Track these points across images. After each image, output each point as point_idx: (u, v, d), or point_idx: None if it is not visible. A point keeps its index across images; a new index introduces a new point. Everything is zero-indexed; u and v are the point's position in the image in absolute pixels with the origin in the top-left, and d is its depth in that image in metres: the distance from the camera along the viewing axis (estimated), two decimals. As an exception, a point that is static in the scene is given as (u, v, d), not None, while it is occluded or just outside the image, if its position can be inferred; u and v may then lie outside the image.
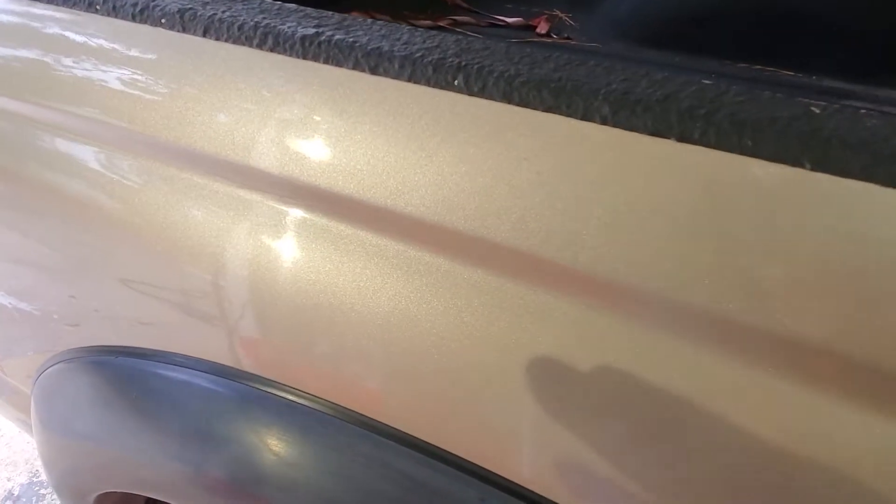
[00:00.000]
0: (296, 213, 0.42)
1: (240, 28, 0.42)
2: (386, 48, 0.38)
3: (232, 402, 0.49)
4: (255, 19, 0.42)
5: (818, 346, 0.31)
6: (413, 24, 0.78)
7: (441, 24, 0.92)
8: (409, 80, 0.38)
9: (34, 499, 1.34)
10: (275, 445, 0.47)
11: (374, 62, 0.38)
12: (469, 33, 0.90)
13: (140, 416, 0.54)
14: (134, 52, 0.46)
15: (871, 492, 0.31)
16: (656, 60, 0.83)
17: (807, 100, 0.32)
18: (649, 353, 0.34)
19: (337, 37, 0.39)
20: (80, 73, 0.48)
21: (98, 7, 0.46)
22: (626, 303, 0.34)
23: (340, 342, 0.42)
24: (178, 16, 0.44)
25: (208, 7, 0.43)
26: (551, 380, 0.36)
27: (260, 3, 0.44)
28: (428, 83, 0.37)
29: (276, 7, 0.43)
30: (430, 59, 0.37)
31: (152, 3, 0.44)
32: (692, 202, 0.32)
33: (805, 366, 0.31)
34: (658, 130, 0.33)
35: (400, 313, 0.40)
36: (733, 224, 0.31)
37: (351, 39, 0.39)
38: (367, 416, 0.44)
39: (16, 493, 1.35)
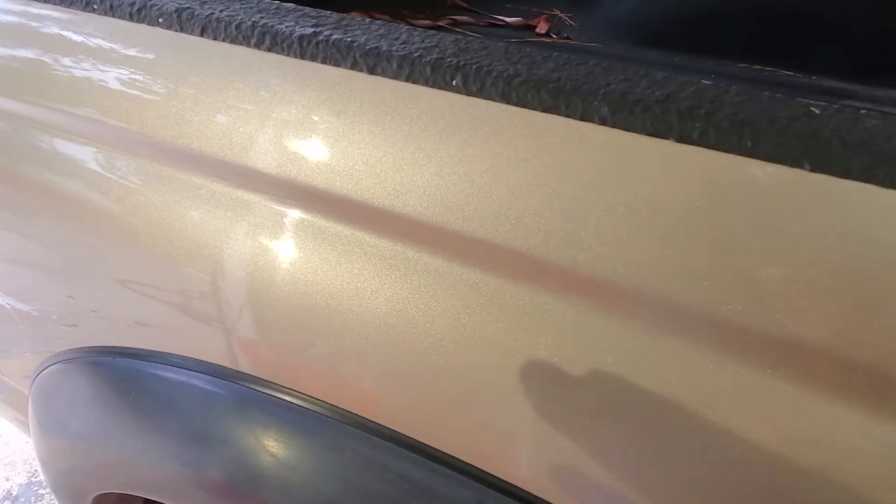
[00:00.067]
0: (294, 214, 0.42)
1: (237, 27, 0.42)
2: (384, 48, 0.38)
3: (230, 403, 0.49)
4: (253, 19, 0.41)
5: (818, 347, 0.30)
6: (412, 24, 0.78)
7: (440, 23, 0.92)
8: (407, 80, 0.38)
9: (33, 499, 1.34)
10: (272, 446, 0.47)
11: (373, 62, 0.38)
12: (468, 33, 0.90)
13: (138, 416, 0.54)
14: (131, 52, 0.46)
15: (871, 492, 0.31)
16: (656, 60, 0.83)
17: (807, 100, 0.32)
18: (648, 354, 0.34)
19: (335, 36, 0.39)
20: (77, 72, 0.48)
21: (95, 6, 0.46)
22: (625, 304, 0.34)
23: (338, 343, 0.42)
24: (175, 15, 0.43)
25: (206, 6, 0.43)
26: (550, 381, 0.36)
27: (257, 3, 0.44)
28: (426, 83, 0.37)
29: (273, 6, 0.43)
30: (428, 58, 0.37)
31: (150, 3, 0.44)
32: (691, 203, 0.32)
33: (804, 367, 0.31)
34: (657, 131, 0.32)
35: (398, 314, 0.39)
36: (733, 225, 0.31)
37: (349, 39, 0.39)
38: (364, 418, 0.44)
39: (14, 493, 1.35)
